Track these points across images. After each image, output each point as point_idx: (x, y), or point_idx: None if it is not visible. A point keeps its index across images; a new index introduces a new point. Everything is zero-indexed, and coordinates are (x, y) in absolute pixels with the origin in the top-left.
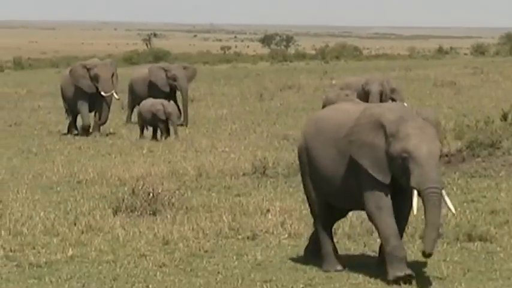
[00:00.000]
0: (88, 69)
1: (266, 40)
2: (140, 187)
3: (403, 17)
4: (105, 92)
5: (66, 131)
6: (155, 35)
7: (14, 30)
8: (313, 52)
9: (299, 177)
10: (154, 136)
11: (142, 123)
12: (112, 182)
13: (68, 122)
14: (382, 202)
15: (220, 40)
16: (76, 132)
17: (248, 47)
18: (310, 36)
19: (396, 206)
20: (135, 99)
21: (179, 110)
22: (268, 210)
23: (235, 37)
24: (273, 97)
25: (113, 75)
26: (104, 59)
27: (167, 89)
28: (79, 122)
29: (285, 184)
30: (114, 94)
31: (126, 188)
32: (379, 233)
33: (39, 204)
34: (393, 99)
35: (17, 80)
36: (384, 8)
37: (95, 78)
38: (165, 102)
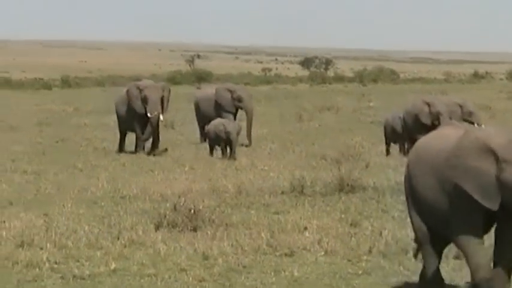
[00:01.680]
0: (140, 90)
1: (306, 63)
2: (181, 203)
3: (440, 42)
4: (150, 113)
5: (117, 148)
6: (198, 56)
7: (63, 50)
8: (352, 75)
9: (336, 196)
10: (223, 154)
11: (210, 142)
12: (154, 198)
13: (119, 139)
14: (476, 230)
15: (261, 62)
16: (123, 149)
17: (288, 69)
18: (349, 60)
19: (503, 234)
20: (201, 118)
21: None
22: (305, 228)
23: (276, 59)
24: (312, 118)
25: (162, 97)
26: (159, 82)
27: (232, 110)
28: (130, 140)
29: (322, 203)
30: (160, 116)
31: (168, 204)
32: (468, 261)
33: (84, 219)
34: (471, 122)
35: (64, 97)
36: (421, 33)
37: (144, 100)
38: (226, 121)
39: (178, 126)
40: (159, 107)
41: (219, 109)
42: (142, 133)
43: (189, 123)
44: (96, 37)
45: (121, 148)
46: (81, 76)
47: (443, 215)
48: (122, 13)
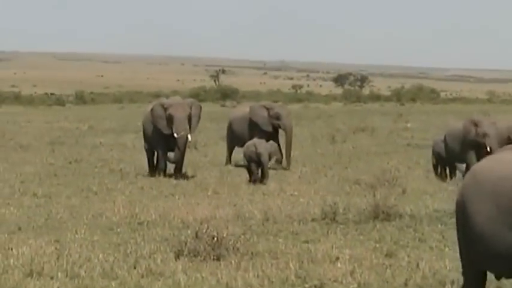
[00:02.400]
0: (165, 109)
1: (340, 80)
2: (204, 230)
3: (482, 60)
4: (176, 133)
5: (148, 172)
6: (223, 71)
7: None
8: (388, 93)
9: (370, 224)
10: (251, 178)
11: (246, 165)
12: (174, 224)
13: (147, 160)
14: None
15: (291, 78)
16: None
17: (321, 86)
18: (385, 77)
19: None
20: (234, 139)
21: (280, 151)
22: (337, 258)
23: (308, 76)
24: (346, 139)
25: (190, 115)
26: (185, 98)
27: (269, 128)
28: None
29: (355, 231)
30: (188, 136)
31: (189, 231)
32: None
33: (98, 246)
34: None
35: (79, 114)
36: (462, 50)
37: (169, 119)
38: (258, 142)
39: (202, 146)
40: (187, 126)
41: (255, 129)
42: (166, 154)
43: (214, 144)
44: (114, 50)
45: (152, 169)
46: (97, 92)
47: (504, 248)
48: (142, 25)
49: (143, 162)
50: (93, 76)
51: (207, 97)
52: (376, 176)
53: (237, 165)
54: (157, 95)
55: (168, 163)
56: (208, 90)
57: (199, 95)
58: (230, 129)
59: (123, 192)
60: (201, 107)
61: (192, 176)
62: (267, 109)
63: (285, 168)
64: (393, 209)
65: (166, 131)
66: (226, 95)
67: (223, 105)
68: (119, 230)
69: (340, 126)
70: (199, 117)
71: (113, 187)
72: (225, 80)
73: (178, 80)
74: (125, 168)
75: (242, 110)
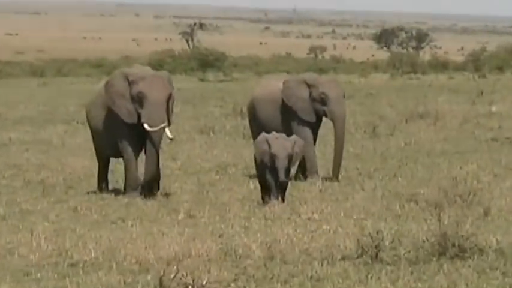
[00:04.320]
0: (131, 83)
1: (384, 38)
2: (172, 276)
3: None
4: (150, 125)
5: (97, 185)
6: (201, 25)
7: None
8: (461, 59)
9: (434, 264)
10: (271, 197)
11: (257, 173)
12: (126, 266)
13: (98, 169)
14: None
15: (308, 36)
16: (106, 186)
17: (354, 48)
18: (455, 33)
19: None
20: (258, 130)
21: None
22: None
23: (333, 32)
24: (394, 131)
25: (169, 98)
26: (161, 70)
27: (311, 118)
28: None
29: (410, 275)
30: (167, 131)
31: (149, 277)
32: None
33: None
34: None
35: None
36: None
37: (138, 100)
38: (272, 137)
39: (169, 144)
40: (165, 115)
41: (289, 117)
42: (136, 159)
43: (188, 140)
44: None
45: (101, 184)
46: (5, 59)
47: None
48: None
49: (78, 168)
50: (4, 35)
51: (177, 66)
52: (443, 189)
53: (245, 174)
54: (99, 65)
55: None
56: (179, 56)
57: (164, 64)
58: (253, 117)
59: (46, 217)
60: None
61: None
62: (309, 86)
63: (330, 179)
64: (470, 241)
65: (130, 119)
66: (206, 63)
67: (202, 79)
68: (39, 275)
69: (385, 111)
70: (174, 101)
71: (30, 208)
72: (205, 40)
73: (133, 40)
74: (49, 179)
75: (268, 87)
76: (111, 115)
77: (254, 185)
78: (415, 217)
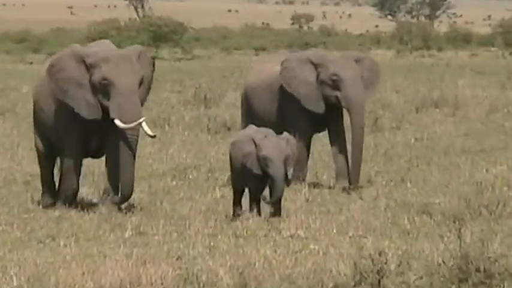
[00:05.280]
0: (88, 66)
1: (388, 3)
2: None
3: None
4: (124, 121)
5: (42, 196)
6: None
7: None
8: (487, 30)
9: None
10: (251, 208)
11: (233, 179)
12: None
13: (41, 175)
14: None
15: (291, 2)
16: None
17: (350, 16)
18: None
19: None
20: (253, 123)
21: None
22: None
23: None
24: (401, 124)
25: (141, 82)
26: (131, 46)
27: (321, 108)
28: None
29: None
30: (144, 126)
31: None
32: None
33: None
34: None
35: None
36: None
37: (102, 88)
38: (260, 134)
39: None
40: (140, 107)
41: (292, 106)
42: (80, 162)
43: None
44: None
45: (50, 191)
46: None
47: None
48: None
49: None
50: None
51: (123, 41)
52: (465, 198)
53: (210, 179)
54: (22, 39)
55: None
56: (125, 28)
57: (106, 38)
58: (245, 111)
59: None
60: (154, 61)
61: (92, 203)
62: (315, 65)
63: (344, 189)
64: (498, 264)
65: (91, 115)
66: (160, 36)
67: (154, 57)
68: None
69: (389, 97)
70: (151, 82)
71: None
72: (159, 7)
73: (68, 8)
74: None
75: (267, 70)
76: (63, 108)
77: (221, 193)
78: (428, 234)
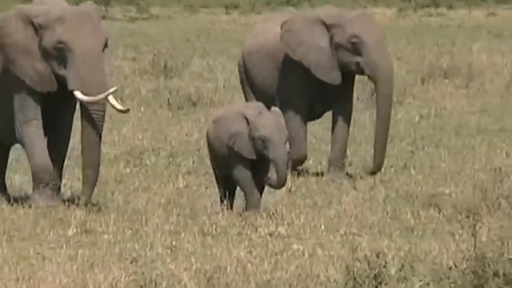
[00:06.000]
0: (38, 28)
1: None
2: None
3: None
4: (86, 93)
5: None
6: None
7: None
8: None
9: None
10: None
11: (213, 164)
12: None
13: None
14: None
15: None
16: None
17: None
18: None
19: None
20: (253, 95)
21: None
22: None
23: None
24: (403, 98)
25: (106, 45)
26: (84, 3)
27: (336, 78)
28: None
29: None
30: (112, 100)
31: None
32: None
33: None
34: None
35: None
36: None
37: (57, 54)
38: (253, 111)
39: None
40: (105, 76)
41: (300, 77)
42: (42, 138)
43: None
44: None
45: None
46: None
47: None
48: None
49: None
50: None
51: None
52: (480, 188)
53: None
54: None
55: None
56: None
57: None
58: (244, 81)
59: None
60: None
61: (28, 194)
62: (328, 28)
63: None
64: None
65: (42, 86)
66: None
67: (103, 17)
68: None
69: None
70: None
71: None
72: None
73: None
74: None
75: (268, 32)
76: (10, 79)
77: (185, 182)
78: (436, 231)
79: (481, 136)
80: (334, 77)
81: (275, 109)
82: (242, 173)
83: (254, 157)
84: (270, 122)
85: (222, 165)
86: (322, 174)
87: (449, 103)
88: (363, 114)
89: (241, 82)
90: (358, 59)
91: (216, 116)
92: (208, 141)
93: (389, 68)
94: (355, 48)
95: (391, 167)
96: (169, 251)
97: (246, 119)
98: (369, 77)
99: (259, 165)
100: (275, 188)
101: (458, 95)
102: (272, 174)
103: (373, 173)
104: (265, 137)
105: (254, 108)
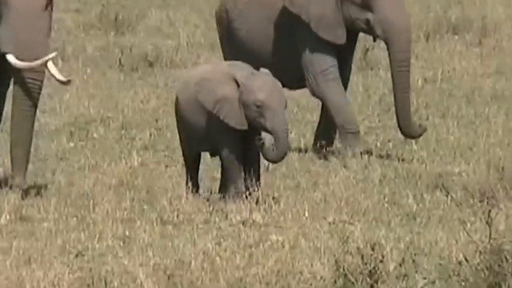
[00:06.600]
0: None
1: None
2: None
3: None
4: (20, 57)
5: None
6: None
7: None
8: None
9: None
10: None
11: (185, 139)
12: None
13: None
14: None
15: None
16: None
17: None
18: None
19: None
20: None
21: None
22: None
23: None
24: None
25: (48, 4)
26: None
27: (340, 37)
28: None
29: None
30: (51, 67)
31: None
32: None
33: None
34: None
35: None
36: None
37: None
38: (244, 73)
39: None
40: (46, 39)
41: (296, 37)
42: None
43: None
44: None
45: None
46: None
47: None
48: None
49: None
50: None
51: None
52: (496, 167)
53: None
54: None
55: None
56: None
57: None
58: (225, 36)
59: None
60: None
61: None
62: None
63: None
64: None
65: None
66: None
67: None
68: None
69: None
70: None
71: None
72: None
73: None
74: None
75: None
76: None
77: (141, 159)
78: (443, 218)
79: (497, 103)
80: (337, 36)
81: (265, 71)
82: (230, 152)
83: (245, 127)
84: (267, 84)
85: (197, 140)
86: (306, 150)
87: (458, 64)
88: (354, 77)
89: (221, 38)
90: (368, 15)
91: (197, 78)
92: (179, 108)
93: (406, 28)
94: (365, 2)
95: (389, 141)
96: (121, 243)
97: (236, 80)
98: (381, 38)
99: (249, 141)
100: (273, 161)
101: (470, 54)
102: (267, 142)
103: (408, 134)
104: (261, 102)
105: (243, 68)
